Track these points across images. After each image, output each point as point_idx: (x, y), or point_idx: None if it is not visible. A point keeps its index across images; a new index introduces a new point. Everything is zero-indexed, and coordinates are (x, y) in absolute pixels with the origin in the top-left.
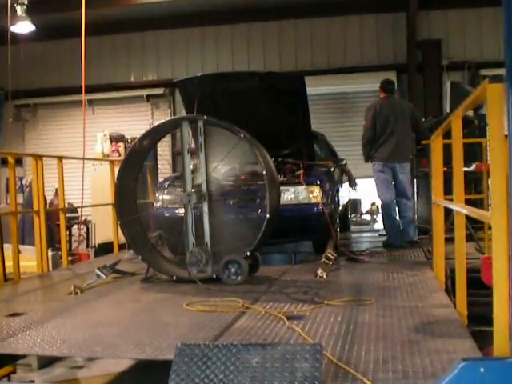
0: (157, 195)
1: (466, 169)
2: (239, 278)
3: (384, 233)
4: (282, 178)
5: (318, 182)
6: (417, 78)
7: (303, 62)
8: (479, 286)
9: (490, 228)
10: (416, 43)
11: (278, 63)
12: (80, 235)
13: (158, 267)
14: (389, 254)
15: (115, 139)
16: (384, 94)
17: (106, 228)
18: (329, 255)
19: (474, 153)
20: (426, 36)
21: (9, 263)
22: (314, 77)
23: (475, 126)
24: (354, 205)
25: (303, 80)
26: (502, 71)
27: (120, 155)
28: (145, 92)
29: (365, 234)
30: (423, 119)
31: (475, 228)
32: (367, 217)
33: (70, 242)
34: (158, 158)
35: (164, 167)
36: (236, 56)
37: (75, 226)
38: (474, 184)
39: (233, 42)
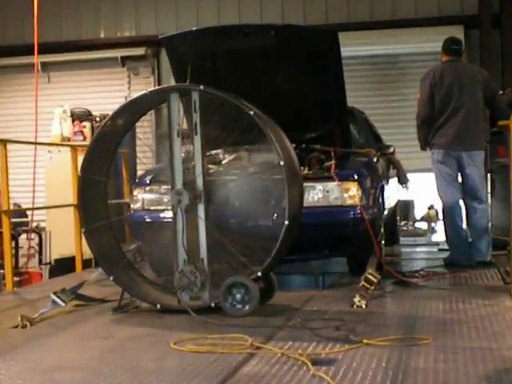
0: (135, 194)
1: None
2: (247, 307)
3: (446, 247)
4: (306, 171)
5: (356, 177)
6: (492, 34)
7: (336, 13)
8: None
9: None
10: None
11: (301, 14)
12: (30, 247)
13: (135, 291)
14: (452, 275)
15: (79, 117)
16: (447, 56)
17: (65, 238)
18: (370, 277)
19: None
20: None
21: None
22: (350, 33)
23: None
24: (405, 208)
25: (336, 37)
26: None
27: (85, 139)
28: (119, 53)
29: (419, 249)
30: (501, 91)
31: None
32: (423, 225)
33: (16, 256)
34: (137, 143)
35: (145, 156)
36: (244, 3)
37: (23, 235)
38: None
39: None
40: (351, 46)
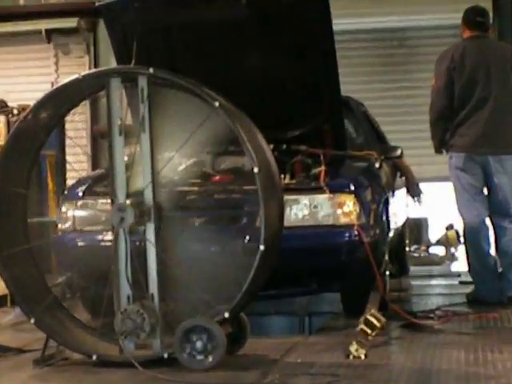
0: (63, 210)
1: None
2: (210, 358)
3: (469, 279)
4: (287, 180)
5: (353, 188)
6: None
7: None
8: None
9: None
10: None
11: None
12: None
13: (64, 338)
14: (477, 316)
15: None
16: (470, 31)
17: None
18: (371, 319)
19: None
20: None
21: None
22: (345, 0)
23: None
24: (417, 229)
25: (327, 4)
26: None
27: None
28: (44, 25)
29: (435, 282)
30: None
31: None
32: (439, 250)
33: None
34: (67, 143)
35: (77, 160)
36: None
37: None
38: None
39: None
40: (346, 17)
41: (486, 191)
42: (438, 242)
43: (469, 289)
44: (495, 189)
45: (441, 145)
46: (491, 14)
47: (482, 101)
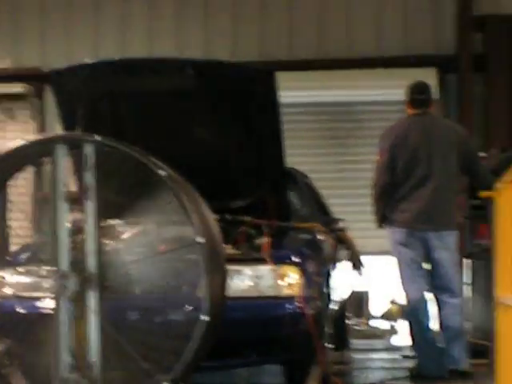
0: (3, 276)
1: None
2: None
3: (411, 353)
4: (231, 251)
5: (296, 260)
6: (474, 80)
7: (274, 48)
8: None
9: None
10: (473, 20)
11: (228, 47)
12: None
13: None
14: None
15: None
16: (412, 109)
17: None
18: None
19: None
20: (492, 9)
21: None
22: (292, 73)
23: None
24: (359, 302)
25: (273, 78)
26: None
27: None
28: None
29: (377, 355)
30: (482, 154)
31: None
32: (381, 324)
33: None
34: (9, 208)
35: (19, 225)
36: (156, 31)
37: None
38: None
39: (150, 6)
40: (293, 90)
41: (427, 266)
42: (383, 316)
43: (411, 363)
44: (436, 264)
45: (383, 219)
46: (437, 88)
47: (424, 178)
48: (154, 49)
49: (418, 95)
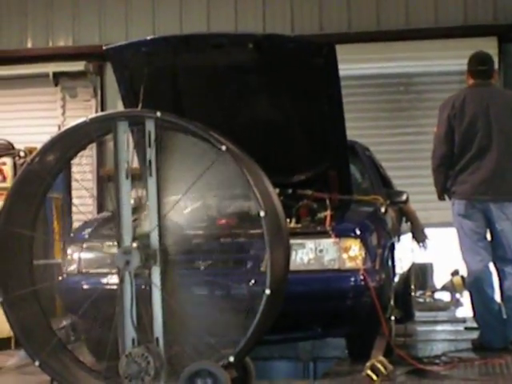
0: (69, 252)
1: None
2: None
3: (474, 325)
4: (293, 225)
5: (359, 233)
6: None
7: (333, 21)
8: None
9: None
10: None
11: (287, 22)
12: None
13: (69, 381)
14: (483, 362)
15: None
16: (473, 79)
17: None
18: (377, 364)
19: None
20: None
21: None
22: (351, 46)
23: None
24: (422, 274)
25: (333, 50)
26: None
27: (5, 180)
28: (51, 68)
29: (440, 327)
30: None
31: None
32: (445, 296)
33: None
34: (73, 186)
35: (83, 203)
36: (215, 7)
37: None
38: None
39: None
40: (352, 63)
41: (489, 237)
42: (444, 288)
43: (474, 335)
44: (497, 235)
45: (443, 191)
46: (497, 59)
47: (483, 149)
48: (211, 24)
49: (481, 66)
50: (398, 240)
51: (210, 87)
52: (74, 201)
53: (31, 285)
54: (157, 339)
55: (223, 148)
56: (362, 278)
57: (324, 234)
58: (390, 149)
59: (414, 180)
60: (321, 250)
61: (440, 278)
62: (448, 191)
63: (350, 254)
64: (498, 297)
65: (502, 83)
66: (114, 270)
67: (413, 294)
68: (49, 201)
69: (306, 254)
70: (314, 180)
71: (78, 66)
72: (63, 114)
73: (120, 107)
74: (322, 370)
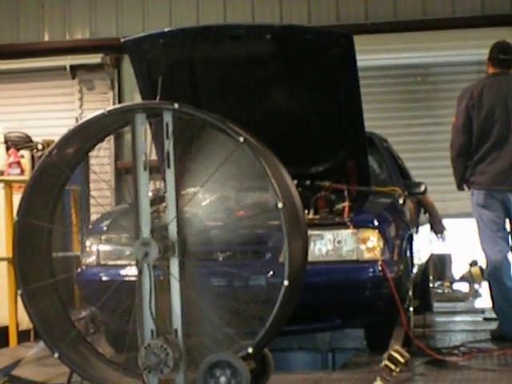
0: (88, 244)
1: None
2: None
3: (493, 315)
4: (311, 216)
5: (377, 224)
6: None
7: (350, 11)
8: None
9: None
10: None
11: (305, 13)
12: None
13: (88, 373)
14: (502, 353)
15: (15, 144)
16: (493, 68)
17: None
18: (395, 355)
19: None
20: None
21: None
22: (369, 36)
23: None
24: (441, 265)
25: (351, 41)
26: None
27: (23, 172)
28: (69, 61)
29: (459, 318)
30: None
31: None
32: (463, 286)
33: None
34: (92, 178)
35: (102, 195)
36: (231, 0)
37: None
38: None
39: None
40: (369, 54)
41: (508, 227)
42: (462, 279)
43: (493, 325)
44: None
45: (462, 181)
46: None
47: (501, 139)
48: (228, 16)
49: (502, 55)
50: (417, 231)
51: (227, 78)
52: (93, 193)
53: (50, 277)
54: (175, 330)
55: (241, 139)
56: (380, 268)
57: (342, 225)
58: (407, 140)
59: (432, 171)
60: (339, 241)
61: (458, 268)
62: (467, 181)
63: (368, 245)
64: None
65: None
66: (132, 262)
67: (431, 284)
68: (67, 193)
69: (325, 245)
70: (332, 171)
71: (96, 58)
72: (81, 106)
73: (137, 99)
74: (341, 361)
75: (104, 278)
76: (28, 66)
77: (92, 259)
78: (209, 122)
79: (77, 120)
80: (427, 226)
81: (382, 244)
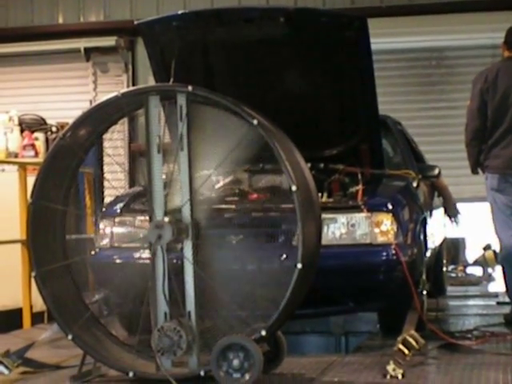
0: (102, 227)
1: None
2: (247, 376)
3: (506, 300)
4: (325, 199)
5: (391, 207)
6: None
7: None
8: None
9: None
10: None
11: None
12: None
13: (101, 355)
14: None
15: (29, 126)
16: (509, 52)
17: (8, 284)
18: (409, 339)
19: None
20: None
21: None
22: (383, 19)
23: None
24: (454, 249)
25: (365, 24)
26: None
27: (37, 155)
28: (83, 43)
29: (472, 302)
30: None
31: None
32: (477, 270)
33: None
34: (105, 160)
35: (115, 177)
36: None
37: None
38: None
39: None
40: (384, 37)
41: None
42: (476, 263)
43: (506, 309)
44: None
45: (476, 165)
46: None
47: None
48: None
49: None
50: (430, 215)
51: (240, 61)
52: (106, 175)
53: (64, 259)
54: (189, 313)
55: (255, 122)
56: (393, 252)
57: (356, 209)
58: (421, 123)
59: (446, 154)
60: (353, 225)
61: (472, 252)
62: (481, 165)
63: (382, 228)
64: None
65: None
66: (146, 245)
67: (445, 268)
68: (81, 175)
69: (338, 228)
70: (345, 154)
71: (110, 41)
72: (95, 89)
73: (151, 82)
74: (354, 345)
75: (117, 261)
76: (42, 48)
77: (105, 241)
78: (223, 104)
79: (91, 102)
80: (441, 210)
81: (395, 227)
